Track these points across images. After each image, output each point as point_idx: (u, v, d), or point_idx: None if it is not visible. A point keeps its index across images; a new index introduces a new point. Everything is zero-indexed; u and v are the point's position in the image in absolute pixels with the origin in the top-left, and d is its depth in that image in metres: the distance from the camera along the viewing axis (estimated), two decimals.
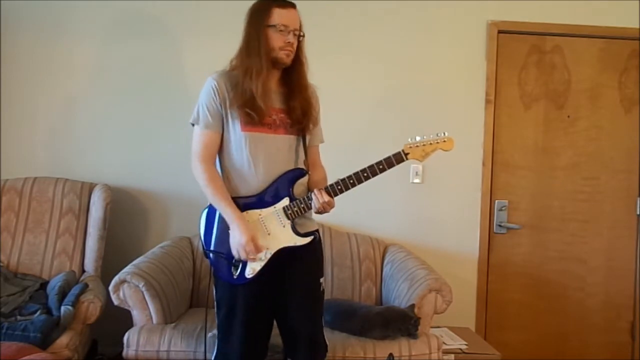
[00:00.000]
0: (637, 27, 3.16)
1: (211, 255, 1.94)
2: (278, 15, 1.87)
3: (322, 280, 2.01)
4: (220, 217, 1.91)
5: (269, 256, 1.88)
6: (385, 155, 1.91)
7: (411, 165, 3.12)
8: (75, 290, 2.44)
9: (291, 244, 1.90)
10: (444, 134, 1.93)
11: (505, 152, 3.22)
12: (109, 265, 2.75)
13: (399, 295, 2.58)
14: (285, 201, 1.90)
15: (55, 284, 2.53)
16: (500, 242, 3.23)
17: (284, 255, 1.90)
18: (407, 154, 1.92)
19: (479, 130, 3.17)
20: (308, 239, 1.92)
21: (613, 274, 3.24)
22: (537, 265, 3.23)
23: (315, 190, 1.89)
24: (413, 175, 3.15)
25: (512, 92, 3.22)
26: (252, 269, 1.88)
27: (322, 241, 2.08)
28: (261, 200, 1.91)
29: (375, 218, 3.14)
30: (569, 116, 3.23)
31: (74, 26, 3.08)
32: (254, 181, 1.91)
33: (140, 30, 3.10)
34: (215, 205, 1.91)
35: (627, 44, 3.22)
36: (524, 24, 3.17)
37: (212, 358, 1.98)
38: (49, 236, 2.79)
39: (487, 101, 3.17)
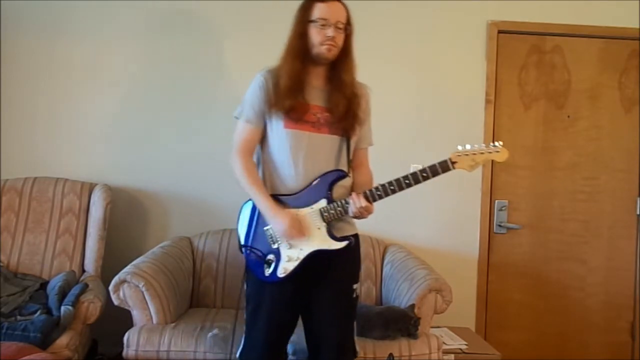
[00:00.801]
0: (637, 27, 3.16)
1: (245, 250, 1.91)
2: (318, 10, 1.83)
3: (355, 286, 1.96)
4: (257, 213, 1.89)
5: (302, 257, 1.85)
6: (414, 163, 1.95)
7: (411, 165, 3.12)
8: (75, 290, 2.44)
9: (325, 247, 1.85)
10: (498, 143, 1.82)
11: None
12: (109, 265, 2.75)
13: (399, 295, 2.58)
14: (323, 203, 1.86)
15: (55, 284, 2.53)
16: (500, 242, 3.23)
17: (317, 258, 1.85)
18: (455, 162, 1.81)
19: (479, 130, 3.17)
20: (342, 244, 1.86)
21: (613, 274, 3.24)
22: (537, 265, 3.23)
23: (353, 195, 1.84)
24: None
25: (512, 92, 3.22)
26: (284, 269, 1.85)
27: (359, 247, 2.03)
28: (299, 199, 1.87)
29: (375, 218, 3.12)
30: (569, 116, 3.23)
31: (74, 26, 3.08)
32: (293, 180, 1.88)
33: (140, 30, 3.10)
34: (251, 196, 1.89)
35: (627, 44, 3.22)
36: (524, 24, 3.17)
37: (238, 353, 1.97)
38: (49, 236, 2.79)
39: (487, 101, 3.17)
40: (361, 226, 3.05)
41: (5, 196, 2.83)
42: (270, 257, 1.87)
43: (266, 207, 1.85)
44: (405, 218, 3.17)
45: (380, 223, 3.12)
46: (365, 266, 2.92)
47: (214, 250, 2.90)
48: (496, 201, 3.21)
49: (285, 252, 1.86)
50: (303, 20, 1.86)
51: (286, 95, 1.83)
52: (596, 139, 3.23)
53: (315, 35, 1.84)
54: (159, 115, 3.11)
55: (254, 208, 1.92)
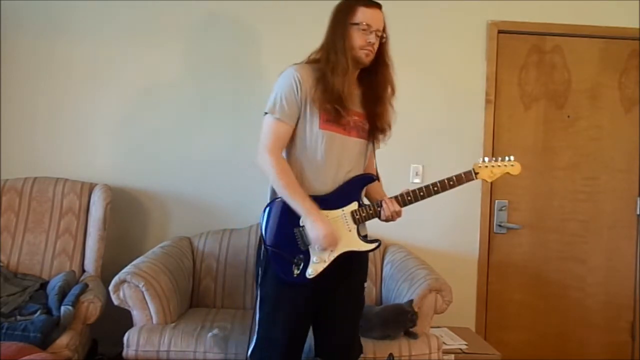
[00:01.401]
0: (637, 27, 3.16)
1: (271, 252, 1.86)
2: (362, 14, 1.84)
3: (366, 284, 2.06)
4: (286, 213, 1.85)
5: (332, 258, 1.85)
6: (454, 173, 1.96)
7: (411, 166, 3.13)
8: (75, 290, 2.44)
9: (355, 248, 1.88)
10: (512, 158, 1.98)
11: (505, 152, 3.18)
12: (109, 265, 2.75)
13: (399, 295, 2.58)
14: (354, 205, 1.89)
15: (55, 284, 2.53)
16: (500, 242, 3.23)
17: (340, 260, 1.86)
18: (477, 173, 1.96)
19: (479, 130, 3.17)
20: (372, 246, 1.92)
21: (613, 274, 3.24)
22: (537, 265, 3.23)
23: (386, 199, 1.90)
24: (413, 175, 3.15)
25: (512, 92, 3.22)
26: (314, 270, 1.83)
27: None
28: (329, 201, 1.87)
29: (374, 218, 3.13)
30: (569, 116, 3.23)
31: (74, 26, 3.08)
32: (323, 181, 1.88)
33: (140, 30, 3.10)
34: (287, 198, 1.82)
35: (627, 44, 3.22)
36: (524, 24, 3.17)
37: (250, 352, 1.95)
38: (49, 236, 2.79)
39: (487, 101, 3.17)
40: None
41: (5, 196, 2.83)
42: (299, 257, 1.85)
43: (306, 210, 1.81)
44: (405, 218, 3.15)
45: (380, 223, 3.12)
46: None
47: (214, 250, 2.90)
48: (496, 201, 3.21)
49: (315, 254, 1.85)
50: (345, 21, 1.85)
51: (342, 97, 1.82)
52: (596, 139, 3.23)
53: (357, 38, 1.84)
54: (159, 116, 3.11)
55: (282, 209, 1.86)
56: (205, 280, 2.87)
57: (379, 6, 1.89)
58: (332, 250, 1.84)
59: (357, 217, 1.88)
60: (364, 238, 1.93)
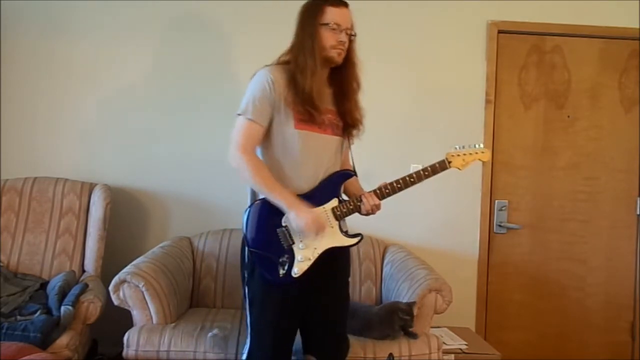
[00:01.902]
0: (637, 27, 3.16)
1: (255, 254, 1.88)
2: (331, 14, 1.86)
3: (349, 279, 2.10)
4: (267, 214, 1.86)
5: (316, 255, 1.87)
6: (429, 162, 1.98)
7: (411, 165, 3.12)
8: (75, 290, 2.44)
9: (339, 244, 1.91)
10: (481, 145, 2.01)
11: (505, 152, 3.22)
12: (109, 265, 2.75)
13: (399, 295, 2.58)
14: (334, 202, 1.92)
15: (55, 284, 2.53)
16: (500, 242, 3.23)
17: (323, 257, 1.89)
18: (450, 162, 1.97)
19: (479, 130, 3.17)
20: (355, 240, 1.95)
21: (613, 274, 3.24)
22: (537, 265, 3.23)
23: (366, 193, 1.93)
24: None
25: (512, 92, 3.22)
26: (299, 268, 1.86)
27: None
28: (310, 199, 1.88)
29: (375, 218, 3.11)
30: (569, 116, 3.23)
31: (74, 26, 3.08)
32: (302, 180, 1.89)
33: (140, 30, 3.10)
34: (266, 194, 1.84)
35: (627, 44, 3.22)
36: (524, 24, 3.17)
37: (245, 356, 1.97)
38: (49, 236, 2.79)
39: (487, 101, 3.17)
40: (361, 226, 3.07)
41: (5, 196, 2.83)
42: (284, 258, 1.86)
43: (286, 201, 1.82)
44: (405, 218, 3.17)
45: (380, 223, 3.12)
46: (365, 266, 2.93)
47: (214, 250, 2.90)
48: (496, 201, 3.21)
49: (299, 252, 1.87)
50: (314, 22, 1.86)
51: (312, 98, 1.84)
52: (596, 139, 3.23)
53: (328, 38, 1.86)
54: (159, 116, 3.11)
55: (262, 210, 1.88)
56: (205, 280, 2.87)
57: (346, 5, 1.90)
58: (315, 248, 1.87)
59: (338, 213, 1.91)
60: (346, 233, 1.95)
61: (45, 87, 3.08)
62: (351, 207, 1.92)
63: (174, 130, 3.10)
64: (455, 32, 3.17)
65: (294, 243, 1.87)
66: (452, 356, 2.61)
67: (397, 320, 2.34)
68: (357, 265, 2.91)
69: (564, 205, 3.23)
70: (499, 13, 3.16)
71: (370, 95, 3.12)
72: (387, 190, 1.93)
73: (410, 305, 2.36)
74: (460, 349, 2.66)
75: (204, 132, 3.09)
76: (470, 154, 1.99)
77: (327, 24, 1.85)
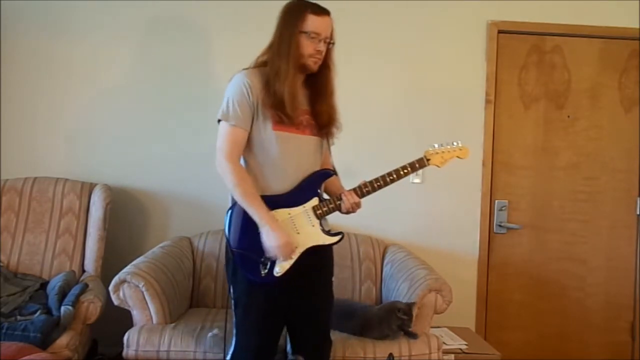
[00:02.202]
0: (637, 27, 3.16)
1: (237, 254, 1.90)
2: (312, 23, 1.87)
3: (333, 278, 2.10)
4: (248, 216, 1.89)
5: (298, 254, 1.89)
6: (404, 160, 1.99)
7: None
8: (75, 290, 2.44)
9: (320, 242, 1.93)
10: (459, 143, 2.04)
11: (505, 152, 3.22)
12: (109, 265, 2.75)
13: (399, 295, 2.57)
14: (315, 201, 1.93)
15: (55, 284, 2.53)
16: (500, 242, 3.23)
17: (305, 255, 1.91)
18: (429, 159, 2.01)
19: (479, 130, 3.17)
20: (336, 238, 1.96)
21: (613, 274, 3.24)
22: (537, 265, 3.23)
23: (346, 192, 1.95)
24: (413, 175, 3.13)
25: (512, 92, 3.22)
26: (281, 267, 1.87)
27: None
28: (290, 199, 1.91)
29: (375, 218, 3.13)
30: (569, 116, 3.23)
31: (74, 26, 3.08)
32: (282, 180, 1.91)
33: (140, 30, 3.10)
34: (245, 206, 1.86)
35: (627, 44, 3.22)
36: (524, 24, 3.16)
37: (229, 356, 1.99)
38: (49, 236, 2.79)
39: (487, 101, 3.17)
40: (361, 226, 3.08)
41: (5, 196, 2.83)
42: (266, 257, 1.88)
43: (262, 219, 1.83)
44: (405, 218, 3.17)
45: (380, 223, 3.13)
46: (366, 266, 2.93)
47: (214, 250, 2.90)
48: (496, 201, 3.21)
49: None
50: (294, 28, 1.87)
51: (291, 105, 1.85)
52: (596, 139, 3.23)
53: (307, 46, 1.87)
54: (159, 116, 3.11)
55: (240, 212, 1.90)
56: (205, 280, 2.87)
57: (328, 13, 1.91)
58: (296, 247, 1.88)
59: (319, 212, 1.93)
60: (327, 232, 1.96)
61: (45, 87, 3.08)
62: (331, 205, 1.94)
63: (174, 130, 3.10)
64: (455, 32, 3.17)
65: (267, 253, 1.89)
66: (452, 356, 2.61)
67: (394, 320, 2.34)
68: (357, 265, 2.92)
69: (564, 205, 3.23)
70: (499, 13, 3.16)
71: (370, 95, 3.16)
72: (367, 189, 1.95)
73: (409, 305, 2.35)
74: (460, 349, 2.66)
75: (204, 132, 3.08)
76: (449, 151, 2.02)
77: (306, 33, 1.86)
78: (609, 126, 3.23)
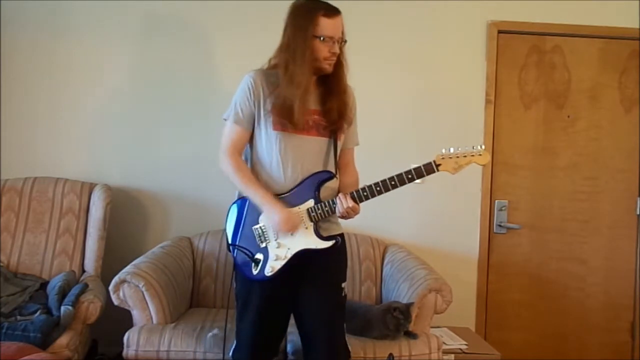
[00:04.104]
0: (637, 27, 3.16)
1: (234, 249, 1.94)
2: (325, 26, 1.84)
3: (344, 285, 1.98)
4: (247, 212, 1.92)
5: (289, 256, 1.88)
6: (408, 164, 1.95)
7: (411, 166, 3.11)
8: (75, 290, 2.44)
9: (312, 246, 1.89)
10: (480, 146, 1.86)
11: (505, 152, 3.22)
12: (109, 265, 2.75)
13: (399, 295, 2.58)
14: (310, 203, 1.90)
15: (55, 284, 2.53)
16: (500, 242, 3.23)
17: (305, 258, 1.89)
18: (439, 165, 1.86)
19: (479, 130, 3.17)
20: (329, 243, 1.89)
21: (613, 274, 3.24)
22: (537, 265, 3.23)
23: (340, 195, 1.88)
24: None
25: (512, 92, 3.22)
26: (271, 268, 1.88)
27: (345, 246, 2.06)
28: (287, 200, 1.90)
29: (375, 218, 3.13)
30: (569, 116, 3.23)
31: (74, 26, 3.08)
32: (281, 181, 1.91)
33: (140, 31, 3.09)
34: (245, 191, 1.91)
35: (627, 44, 3.22)
36: (524, 24, 3.16)
37: (231, 352, 2.01)
38: (49, 236, 2.79)
39: (487, 101, 3.17)
40: (361, 226, 3.08)
41: (5, 196, 2.83)
42: (259, 256, 1.90)
43: (263, 199, 1.86)
44: (405, 218, 3.17)
45: (380, 223, 3.13)
46: (366, 266, 2.93)
47: (214, 250, 2.90)
48: (496, 201, 3.21)
49: (273, 251, 1.89)
50: (307, 33, 1.83)
51: (300, 113, 1.84)
52: (596, 139, 3.23)
53: (321, 50, 1.86)
54: (159, 116, 3.11)
55: (241, 208, 1.95)
56: (205, 280, 2.87)
57: (339, 13, 1.89)
58: (288, 248, 1.88)
59: (313, 214, 1.89)
60: (321, 236, 1.89)
61: (45, 87, 3.08)
62: (326, 208, 1.88)
63: (175, 130, 3.10)
64: (455, 32, 3.17)
65: (268, 242, 1.90)
66: (452, 356, 2.61)
67: (390, 320, 2.33)
68: (357, 265, 2.92)
69: (564, 205, 3.23)
70: (499, 13, 3.16)
71: (370, 95, 3.14)
72: (364, 193, 1.87)
73: (408, 306, 2.35)
74: (460, 349, 2.66)
75: (204, 133, 3.09)
76: (465, 156, 1.84)
77: (320, 37, 1.84)
78: (609, 126, 3.23)
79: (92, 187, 2.91)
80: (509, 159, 3.22)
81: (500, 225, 3.21)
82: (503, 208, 3.21)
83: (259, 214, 1.90)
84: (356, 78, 3.08)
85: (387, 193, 1.88)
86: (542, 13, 3.16)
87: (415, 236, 3.15)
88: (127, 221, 3.09)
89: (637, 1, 3.17)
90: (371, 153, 3.10)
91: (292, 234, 1.88)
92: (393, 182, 1.87)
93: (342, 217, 1.92)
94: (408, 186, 3.10)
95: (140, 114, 3.11)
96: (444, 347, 2.57)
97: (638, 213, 3.24)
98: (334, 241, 1.90)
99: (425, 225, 3.17)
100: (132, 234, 3.10)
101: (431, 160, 1.87)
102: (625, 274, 3.25)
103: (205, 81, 3.11)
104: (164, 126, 3.11)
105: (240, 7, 3.08)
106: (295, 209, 1.89)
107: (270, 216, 1.86)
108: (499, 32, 3.17)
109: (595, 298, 3.24)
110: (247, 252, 1.91)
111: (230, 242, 1.95)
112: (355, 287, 2.89)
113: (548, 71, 3.22)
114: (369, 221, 3.11)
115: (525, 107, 3.23)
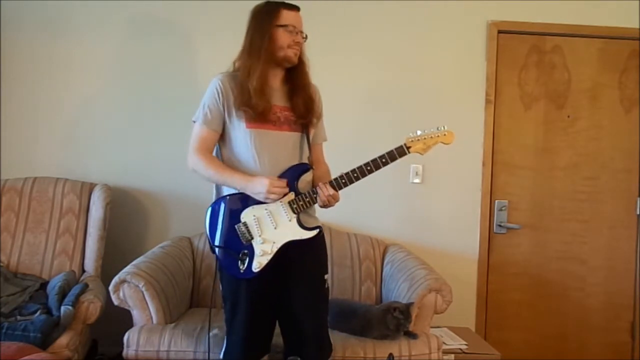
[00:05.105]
0: (637, 27, 3.16)
1: (218, 250, 1.96)
2: (287, 16, 1.95)
3: (326, 277, 2.05)
4: (225, 211, 1.94)
5: (275, 250, 1.91)
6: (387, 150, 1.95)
7: (411, 165, 3.12)
8: (75, 290, 2.44)
9: (297, 237, 1.93)
10: (444, 127, 1.97)
11: (505, 152, 3.22)
12: (109, 265, 2.75)
13: (399, 295, 2.58)
14: (291, 195, 1.94)
15: (55, 284, 2.53)
16: (500, 242, 3.23)
17: (288, 251, 1.92)
18: (409, 147, 1.95)
19: (479, 130, 3.17)
20: (314, 232, 1.95)
21: (613, 274, 3.24)
22: (537, 265, 3.23)
23: (320, 184, 1.94)
24: (413, 175, 3.15)
25: (512, 92, 3.22)
26: (259, 263, 1.90)
27: (325, 239, 2.10)
28: None
29: (375, 218, 3.14)
30: (569, 116, 3.23)
31: (74, 26, 3.08)
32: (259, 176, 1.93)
33: (140, 31, 3.10)
34: (221, 181, 1.95)
35: (627, 44, 3.22)
36: (524, 24, 3.17)
37: (222, 353, 2.02)
38: (49, 236, 2.79)
39: (487, 101, 3.17)
40: (361, 226, 3.08)
41: (5, 196, 2.83)
42: (244, 253, 1.92)
43: (242, 179, 1.90)
44: (405, 218, 3.17)
45: (380, 223, 3.13)
46: (366, 266, 2.93)
47: None
48: (496, 201, 3.21)
49: (258, 247, 1.92)
50: (270, 24, 1.94)
51: (258, 98, 1.90)
52: (596, 139, 3.23)
53: (285, 38, 1.94)
54: (159, 115, 3.11)
55: (218, 209, 1.96)
56: (205, 280, 2.87)
57: (298, 9, 2.00)
58: (274, 242, 1.90)
59: (295, 206, 1.93)
60: (305, 227, 1.94)
61: (45, 87, 3.08)
62: (307, 199, 1.94)
63: (175, 130, 3.09)
64: (455, 32, 3.17)
65: (252, 238, 1.92)
66: (452, 356, 2.61)
67: (390, 320, 2.34)
68: (357, 265, 2.92)
69: (564, 205, 3.23)
70: (499, 13, 3.16)
71: (370, 95, 3.16)
72: (343, 180, 1.93)
73: (407, 306, 2.36)
74: (460, 349, 2.66)
75: None
76: (432, 137, 1.96)
77: (284, 26, 1.94)
78: (609, 126, 3.23)
79: (92, 187, 2.91)
80: (509, 159, 3.22)
81: (500, 225, 3.21)
82: (503, 208, 3.21)
83: (239, 211, 1.93)
84: (356, 77, 3.13)
85: (363, 179, 1.94)
86: (542, 13, 3.16)
87: (415, 236, 3.15)
88: (127, 221, 3.09)
89: (637, 1, 3.17)
90: (371, 153, 3.10)
91: (275, 228, 1.91)
92: (369, 167, 1.93)
93: (324, 205, 1.96)
94: (408, 186, 3.15)
95: (140, 114, 3.11)
96: (444, 347, 2.57)
97: (638, 213, 3.24)
98: (317, 230, 1.96)
99: (425, 225, 3.17)
100: (132, 234, 3.10)
101: (402, 143, 1.96)
102: (625, 274, 3.25)
103: (207, 82, 3.09)
104: (165, 126, 3.10)
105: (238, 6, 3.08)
106: (277, 202, 1.92)
107: (257, 188, 1.88)
108: (499, 32, 3.17)
109: (595, 298, 3.24)
110: (232, 251, 1.92)
111: (212, 243, 1.96)
112: (355, 287, 2.89)
113: (548, 71, 3.22)
114: (369, 221, 3.13)
115: (525, 107, 3.23)
